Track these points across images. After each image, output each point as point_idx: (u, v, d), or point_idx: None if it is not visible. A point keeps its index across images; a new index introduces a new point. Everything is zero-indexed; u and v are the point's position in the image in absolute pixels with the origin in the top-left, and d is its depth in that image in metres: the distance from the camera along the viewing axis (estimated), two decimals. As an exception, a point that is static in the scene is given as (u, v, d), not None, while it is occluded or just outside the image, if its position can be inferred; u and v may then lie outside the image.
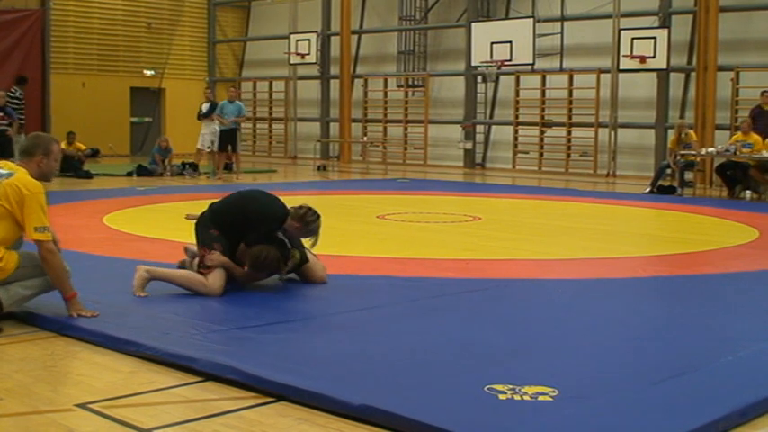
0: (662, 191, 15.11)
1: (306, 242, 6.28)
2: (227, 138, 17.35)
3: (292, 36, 24.63)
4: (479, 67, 20.95)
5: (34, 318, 5.11)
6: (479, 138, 22.73)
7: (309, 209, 6.08)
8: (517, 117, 21.79)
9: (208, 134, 17.74)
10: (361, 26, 25.16)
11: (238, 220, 5.94)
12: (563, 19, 20.35)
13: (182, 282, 5.80)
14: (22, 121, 16.80)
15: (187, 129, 22.90)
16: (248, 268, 5.87)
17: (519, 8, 21.64)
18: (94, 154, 20.90)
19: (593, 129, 20.30)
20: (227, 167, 18.21)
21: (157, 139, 19.02)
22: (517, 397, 3.69)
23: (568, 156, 21.05)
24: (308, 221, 6.05)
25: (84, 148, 18.49)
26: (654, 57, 18.30)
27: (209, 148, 17.73)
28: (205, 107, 17.94)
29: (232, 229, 5.92)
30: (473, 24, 21.10)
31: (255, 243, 5.84)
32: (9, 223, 4.99)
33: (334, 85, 24.90)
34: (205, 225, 5.98)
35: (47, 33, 22.95)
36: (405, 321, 5.25)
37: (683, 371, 4.20)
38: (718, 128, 17.95)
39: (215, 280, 5.74)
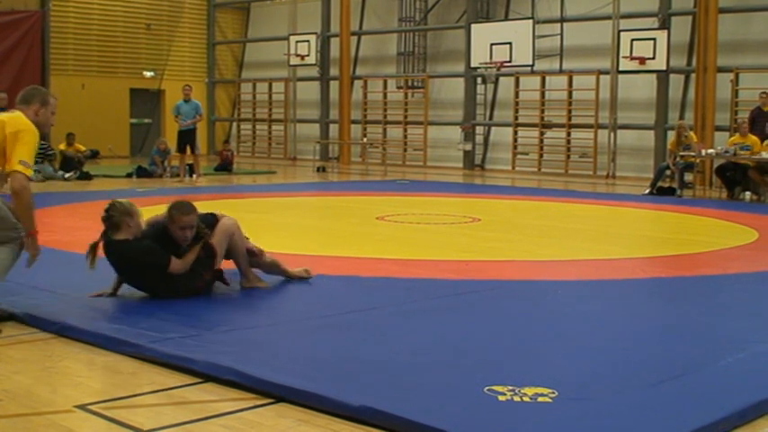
0: (661, 192, 15.12)
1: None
2: (186, 139, 16.87)
3: (292, 37, 24.64)
4: (479, 68, 20.96)
5: (33, 319, 5.10)
6: (479, 139, 22.74)
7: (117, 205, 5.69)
8: (517, 118, 21.80)
9: None
10: (360, 27, 25.17)
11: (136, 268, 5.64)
12: (562, 20, 20.36)
13: None
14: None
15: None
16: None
17: (518, 9, 21.65)
18: (94, 155, 20.92)
19: (592, 130, 20.31)
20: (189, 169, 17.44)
21: (156, 140, 19.00)
22: (517, 398, 3.69)
23: (568, 157, 21.06)
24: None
25: (83, 149, 18.50)
26: (653, 58, 18.31)
27: None
28: None
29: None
30: (473, 26, 21.11)
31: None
32: None
33: (334, 86, 24.90)
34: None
35: (46, 35, 22.94)
36: (404, 322, 5.25)
37: (683, 372, 4.20)
38: (718, 129, 17.96)
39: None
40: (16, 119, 5.01)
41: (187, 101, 17.21)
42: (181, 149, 17.09)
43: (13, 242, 5.08)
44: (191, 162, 17.42)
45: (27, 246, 5.00)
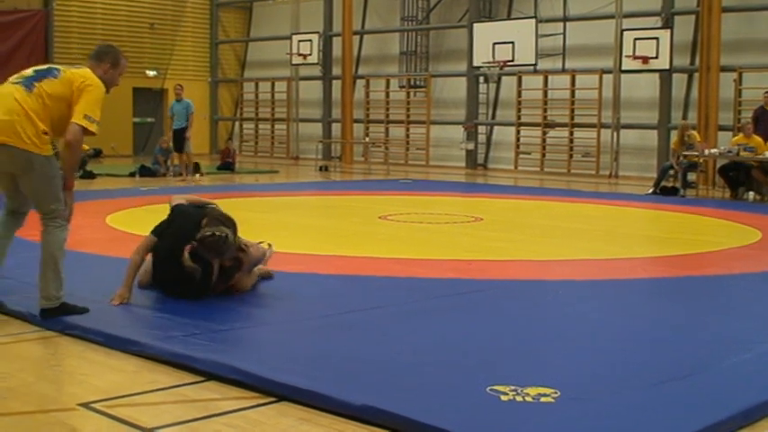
0: (664, 192, 15.10)
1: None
2: (181, 138, 16.94)
3: (294, 36, 24.65)
4: (481, 67, 20.96)
5: (38, 318, 5.10)
6: (481, 138, 22.74)
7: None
8: (519, 118, 21.79)
9: None
10: (362, 26, 25.17)
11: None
12: (565, 19, 20.36)
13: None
14: None
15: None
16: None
17: (521, 8, 21.64)
18: (97, 154, 20.90)
19: (595, 129, 20.30)
20: (196, 168, 17.58)
21: (159, 139, 19.02)
22: (519, 398, 3.69)
23: (570, 156, 21.05)
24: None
25: (86, 148, 18.46)
26: (656, 57, 18.30)
27: None
28: None
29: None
30: (475, 25, 21.10)
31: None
32: (64, 108, 4.93)
33: (336, 85, 24.91)
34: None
35: (50, 34, 22.99)
36: (406, 322, 5.24)
37: (686, 372, 4.19)
38: (721, 128, 17.94)
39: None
40: (84, 74, 5.02)
41: (179, 100, 17.23)
42: (177, 149, 17.17)
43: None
44: (195, 161, 17.53)
45: (65, 195, 5.02)
